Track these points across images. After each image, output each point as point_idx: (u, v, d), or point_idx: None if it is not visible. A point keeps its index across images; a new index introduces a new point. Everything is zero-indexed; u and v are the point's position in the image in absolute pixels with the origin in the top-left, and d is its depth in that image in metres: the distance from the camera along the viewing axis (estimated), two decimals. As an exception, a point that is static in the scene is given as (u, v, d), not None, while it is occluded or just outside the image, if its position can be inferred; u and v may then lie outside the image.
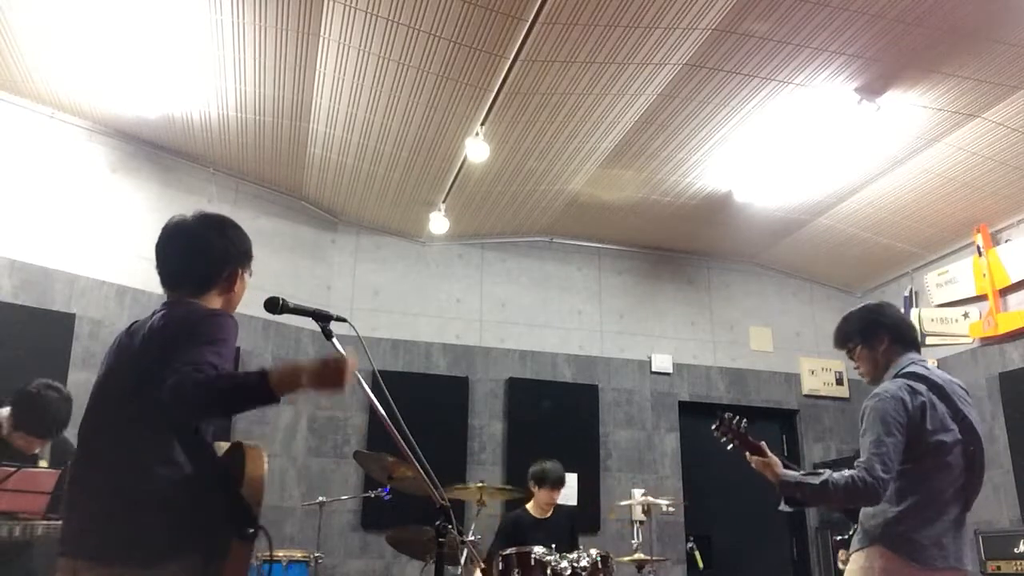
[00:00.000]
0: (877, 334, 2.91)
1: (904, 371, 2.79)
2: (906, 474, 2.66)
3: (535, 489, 5.10)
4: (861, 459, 2.64)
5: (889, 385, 2.76)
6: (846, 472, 2.63)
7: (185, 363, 1.84)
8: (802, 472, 2.80)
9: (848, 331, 3.00)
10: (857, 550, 2.72)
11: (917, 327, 7.14)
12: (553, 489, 5.08)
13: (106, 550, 1.88)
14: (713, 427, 2.99)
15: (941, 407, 2.73)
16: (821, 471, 2.73)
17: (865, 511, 2.74)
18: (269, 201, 6.75)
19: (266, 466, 1.94)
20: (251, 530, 1.89)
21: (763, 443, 2.90)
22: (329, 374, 1.87)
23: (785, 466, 2.84)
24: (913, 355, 2.88)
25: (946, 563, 2.63)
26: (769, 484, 2.88)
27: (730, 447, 2.99)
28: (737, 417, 2.97)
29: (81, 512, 1.96)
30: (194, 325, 1.99)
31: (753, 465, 2.88)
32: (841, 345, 3.04)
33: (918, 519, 2.63)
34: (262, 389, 1.83)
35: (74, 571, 1.90)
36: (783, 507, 2.86)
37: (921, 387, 2.73)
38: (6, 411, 3.64)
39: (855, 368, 3.03)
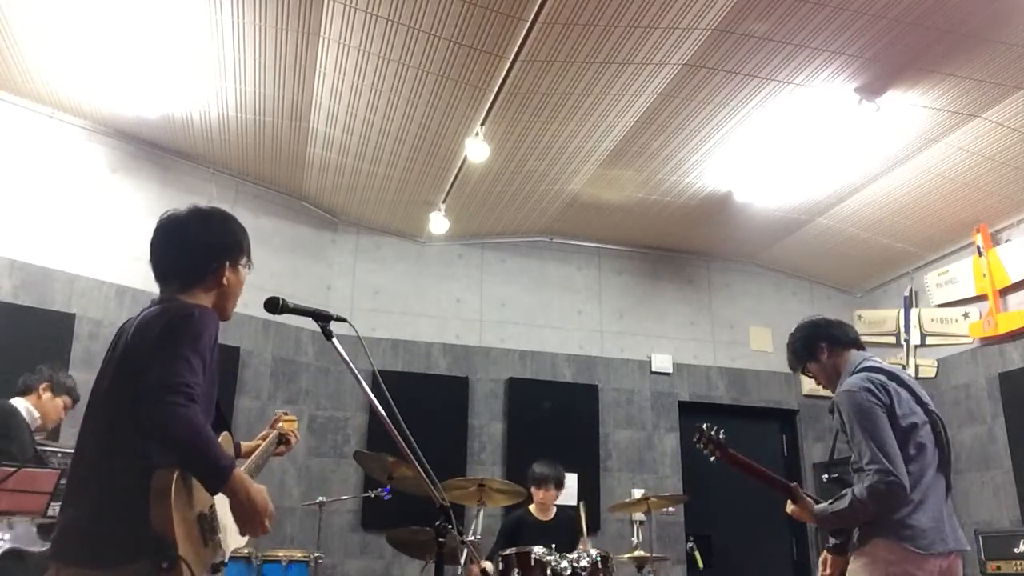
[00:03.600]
0: (816, 345, 3.00)
1: (859, 367, 2.87)
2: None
3: (532, 490, 5.11)
4: (866, 460, 2.65)
5: (852, 380, 2.83)
6: (863, 482, 2.65)
7: (161, 382, 1.84)
8: (828, 502, 2.83)
9: (794, 354, 3.09)
10: (858, 548, 2.73)
11: (917, 327, 7.18)
12: (540, 488, 5.06)
13: (73, 551, 1.91)
14: (694, 439, 3.08)
15: (904, 392, 2.81)
16: (844, 492, 2.74)
17: None
18: (269, 201, 6.75)
19: (172, 492, 1.83)
20: (164, 564, 1.81)
21: (795, 484, 2.96)
22: (248, 519, 1.93)
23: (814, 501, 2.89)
24: (862, 352, 2.96)
25: (945, 546, 2.65)
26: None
27: (712, 459, 3.04)
28: (715, 428, 3.04)
29: (63, 514, 1.99)
30: (166, 332, 1.96)
31: (790, 513, 2.95)
32: (795, 369, 3.12)
33: (911, 504, 2.65)
34: (216, 480, 1.87)
35: (56, 571, 1.92)
36: (832, 540, 2.87)
37: (881, 376, 2.81)
38: (22, 403, 3.69)
39: (816, 384, 3.10)
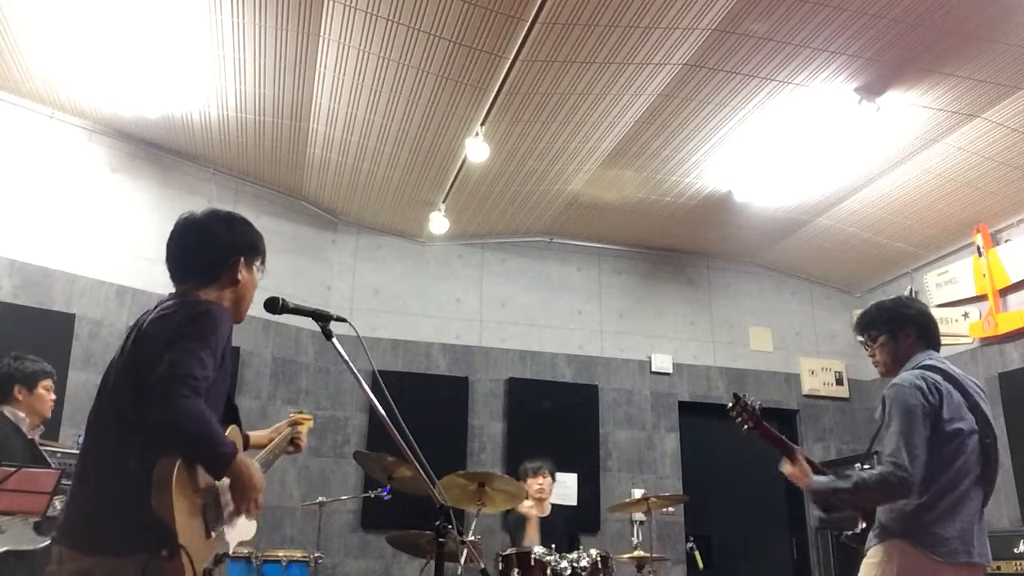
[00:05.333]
0: (904, 328, 2.91)
1: (920, 364, 2.81)
2: (926, 464, 2.63)
3: (528, 481, 5.17)
4: (888, 451, 2.61)
5: (906, 375, 2.76)
6: (875, 469, 2.61)
7: (166, 373, 1.87)
8: (831, 476, 2.79)
9: (876, 319, 2.96)
10: (875, 544, 2.69)
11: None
12: (536, 475, 5.17)
13: (76, 538, 1.94)
14: (728, 406, 3.04)
15: (957, 396, 2.73)
16: (850, 472, 2.70)
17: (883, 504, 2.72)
18: (269, 201, 6.75)
19: (173, 482, 1.85)
20: (164, 552, 1.84)
21: (798, 448, 2.91)
22: (243, 496, 2.01)
23: (814, 469, 2.85)
24: (932, 352, 2.89)
25: (969, 558, 2.59)
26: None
27: (745, 428, 3.01)
28: (752, 398, 2.99)
29: (70, 502, 2.03)
30: (180, 326, 1.99)
31: (784, 471, 2.89)
32: (864, 331, 2.99)
33: (938, 510, 2.60)
34: (219, 464, 1.93)
35: (60, 557, 1.95)
36: (819, 514, 2.84)
37: (937, 377, 2.74)
38: (9, 411, 3.68)
39: (870, 357, 3.00)
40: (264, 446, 2.62)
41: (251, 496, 2.00)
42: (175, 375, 1.87)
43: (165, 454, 1.89)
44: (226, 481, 2.02)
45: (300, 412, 2.78)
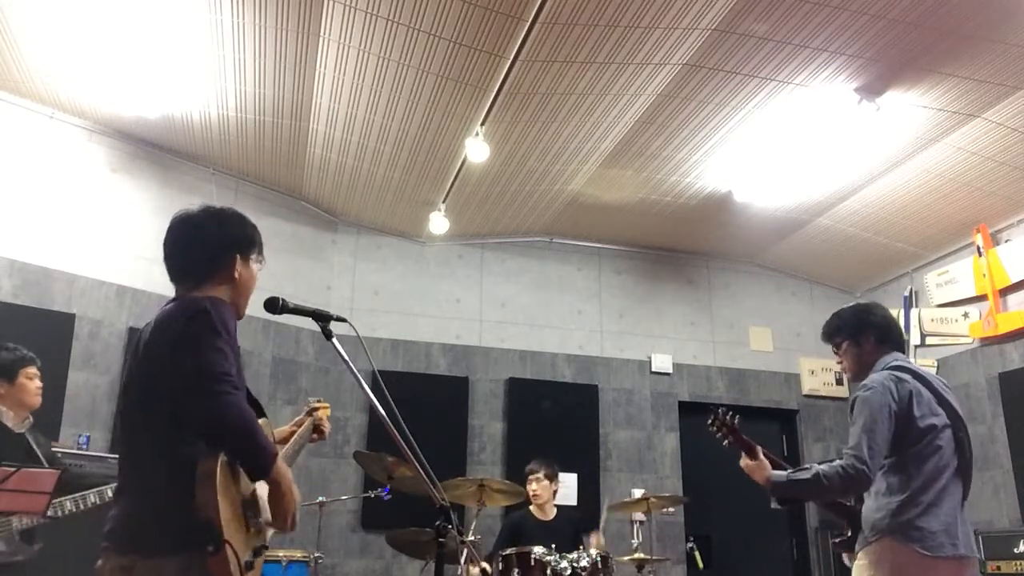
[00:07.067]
0: (865, 332, 3.00)
1: (889, 365, 2.88)
2: (903, 462, 2.71)
3: (527, 486, 5.12)
4: (849, 445, 2.69)
5: (876, 376, 2.84)
6: (835, 462, 2.69)
7: (203, 372, 1.89)
8: (791, 469, 2.84)
9: (838, 326, 3.07)
10: (865, 546, 2.72)
11: (917, 327, 7.18)
12: (528, 480, 5.04)
13: (123, 541, 1.96)
14: (708, 422, 3.08)
15: (927, 394, 2.81)
16: (809, 465, 2.77)
17: (868, 506, 2.77)
18: (269, 201, 6.75)
19: (217, 477, 1.88)
20: (210, 547, 1.86)
21: (758, 447, 2.95)
22: (284, 511, 2.01)
23: (774, 465, 2.89)
24: (897, 354, 2.96)
25: (956, 550, 2.63)
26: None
27: (725, 443, 3.04)
28: (730, 412, 3.03)
29: (114, 508, 2.06)
30: (187, 327, 1.98)
31: (743, 467, 2.94)
32: (829, 339, 3.11)
33: (922, 505, 2.65)
34: (263, 464, 1.95)
35: (107, 559, 1.98)
36: (775, 505, 2.90)
37: (906, 376, 2.81)
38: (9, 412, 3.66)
39: (838, 363, 3.11)
40: (287, 439, 2.62)
41: (290, 510, 2.01)
42: (211, 373, 1.89)
43: (206, 453, 1.91)
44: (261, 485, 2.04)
45: (319, 400, 2.80)
